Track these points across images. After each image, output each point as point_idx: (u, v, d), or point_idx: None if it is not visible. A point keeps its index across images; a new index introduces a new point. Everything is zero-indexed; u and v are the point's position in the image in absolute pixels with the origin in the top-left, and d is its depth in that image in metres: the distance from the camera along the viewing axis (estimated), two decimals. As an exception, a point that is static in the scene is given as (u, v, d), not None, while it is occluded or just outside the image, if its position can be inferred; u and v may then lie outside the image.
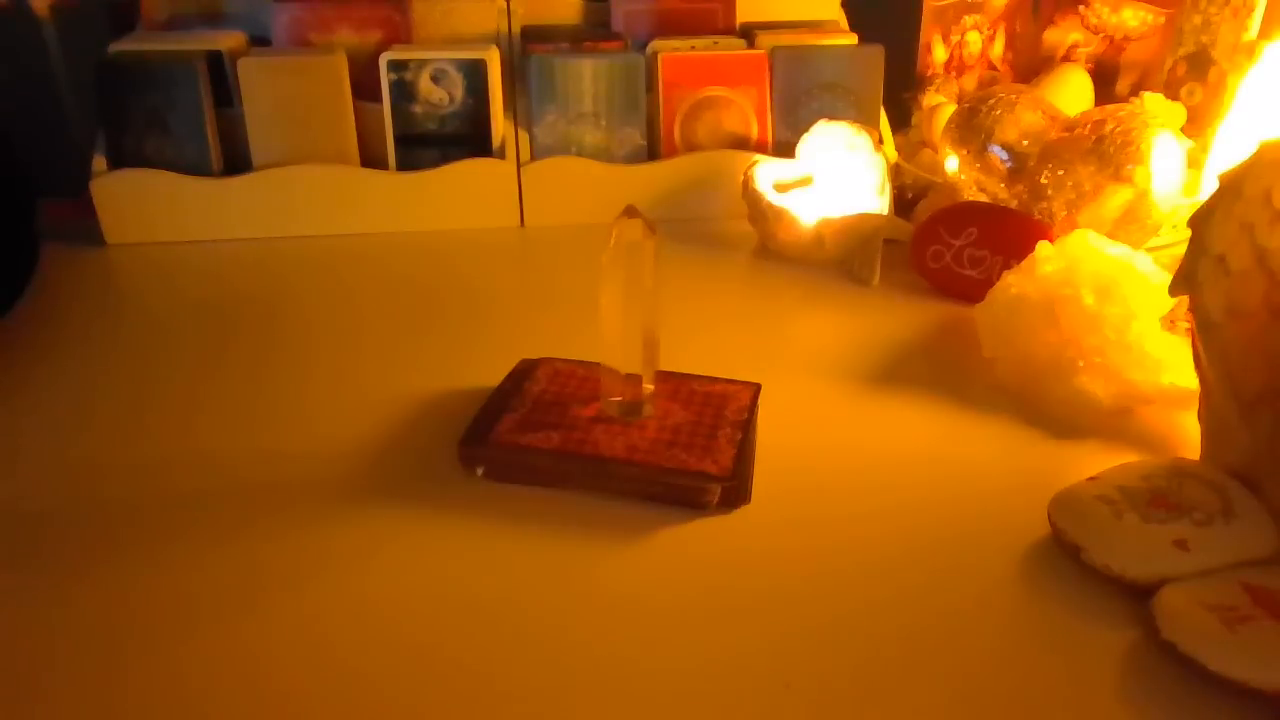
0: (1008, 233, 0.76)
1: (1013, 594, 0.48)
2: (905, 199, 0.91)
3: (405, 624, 0.46)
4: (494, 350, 0.66)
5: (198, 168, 0.87)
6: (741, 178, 0.87)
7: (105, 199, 0.86)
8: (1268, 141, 0.50)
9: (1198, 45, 0.89)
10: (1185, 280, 0.53)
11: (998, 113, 0.82)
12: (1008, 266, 0.69)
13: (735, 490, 0.53)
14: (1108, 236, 0.71)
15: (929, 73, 1.08)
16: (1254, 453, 0.50)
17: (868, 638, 0.45)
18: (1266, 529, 0.48)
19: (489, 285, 0.82)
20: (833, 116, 0.87)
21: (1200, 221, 0.52)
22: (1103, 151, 0.75)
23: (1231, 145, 0.80)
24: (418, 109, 0.89)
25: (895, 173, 0.91)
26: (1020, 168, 0.80)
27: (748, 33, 0.99)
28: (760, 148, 0.94)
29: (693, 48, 0.94)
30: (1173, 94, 0.89)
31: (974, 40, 1.06)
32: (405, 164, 0.90)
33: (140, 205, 0.87)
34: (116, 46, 0.89)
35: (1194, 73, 0.89)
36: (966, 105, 0.85)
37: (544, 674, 0.43)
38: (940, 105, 0.99)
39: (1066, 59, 1.00)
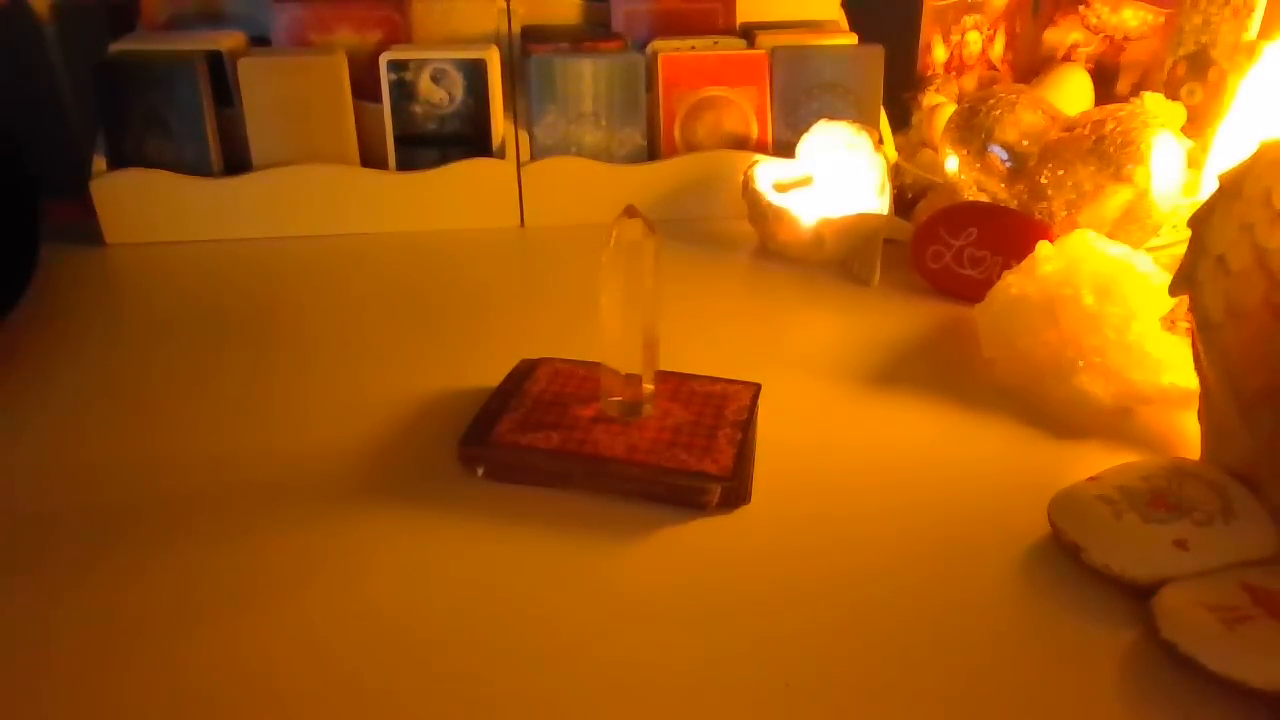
0: (1008, 233, 0.76)
1: (1013, 594, 0.48)
2: (905, 199, 0.91)
3: (405, 624, 0.46)
4: (494, 350, 0.66)
5: (198, 168, 0.87)
6: (741, 178, 0.87)
7: (105, 199, 0.86)
8: (1268, 141, 0.50)
9: (1198, 45, 0.89)
10: (1185, 280, 0.53)
11: (998, 113, 0.82)
12: (1008, 266, 0.69)
13: (735, 490, 0.53)
14: (1108, 236, 0.71)
15: (929, 73, 1.08)
16: (1254, 453, 0.50)
17: (868, 637, 0.45)
18: (1266, 529, 0.48)
19: (489, 285, 0.82)
20: (833, 116, 0.87)
21: (1200, 221, 0.52)
22: (1103, 151, 0.75)
23: (1231, 145, 0.80)
24: (418, 109, 0.89)
25: (895, 173, 0.91)
26: (1020, 168, 0.80)
27: (748, 33, 0.99)
28: (760, 148, 0.94)
29: (693, 48, 0.94)
30: (1173, 94, 0.89)
31: (974, 40, 1.06)
32: (405, 164, 0.90)
33: (140, 205, 0.87)
34: (116, 46, 0.89)
35: (1194, 73, 0.89)
36: (966, 105, 0.85)
37: (544, 674, 0.43)
38: (940, 105, 0.99)
39: (1066, 59, 1.00)
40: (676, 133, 0.94)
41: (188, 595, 0.47)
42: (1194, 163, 0.81)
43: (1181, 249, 0.54)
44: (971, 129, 0.83)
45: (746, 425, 0.57)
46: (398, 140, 0.90)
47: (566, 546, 0.51)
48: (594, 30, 0.99)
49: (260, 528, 0.52)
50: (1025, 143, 0.81)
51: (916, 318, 0.75)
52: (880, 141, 0.83)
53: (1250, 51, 0.82)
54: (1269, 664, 0.41)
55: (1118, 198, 0.75)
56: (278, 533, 0.52)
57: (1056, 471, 0.55)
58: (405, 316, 0.75)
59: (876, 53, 0.94)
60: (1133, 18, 0.95)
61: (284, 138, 0.88)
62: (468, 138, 0.90)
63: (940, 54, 1.07)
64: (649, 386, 0.57)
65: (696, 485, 0.53)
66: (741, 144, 0.94)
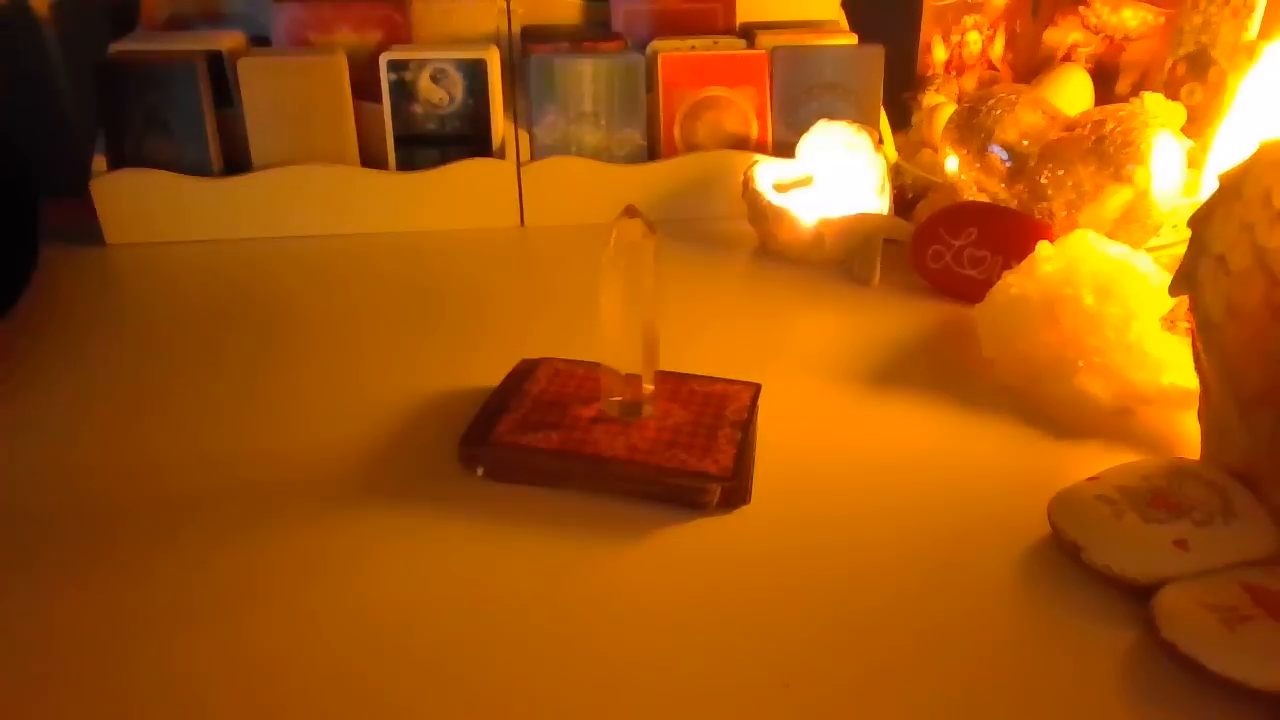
0: (1008, 233, 0.76)
1: (1013, 594, 0.48)
2: (905, 199, 0.91)
3: (405, 624, 0.46)
4: (494, 350, 0.66)
5: (198, 168, 0.87)
6: (741, 178, 0.87)
7: (105, 199, 0.86)
8: (1268, 141, 0.50)
9: (1198, 45, 0.89)
10: (1185, 280, 0.53)
11: (998, 113, 0.82)
12: (1008, 266, 0.69)
13: (735, 490, 0.53)
14: (1108, 236, 0.71)
15: (929, 73, 1.08)
16: (1254, 453, 0.50)
17: (867, 637, 0.45)
18: (1266, 529, 0.48)
19: (489, 285, 0.82)
20: (833, 116, 0.87)
21: (1200, 221, 0.52)
22: (1103, 151, 0.75)
23: (1231, 145, 0.80)
24: (418, 109, 0.89)
25: (895, 173, 0.91)
26: (1020, 168, 0.80)
27: (748, 33, 0.99)
28: (760, 148, 0.94)
29: (693, 48, 0.94)
30: (1173, 94, 0.89)
31: (974, 40, 1.06)
32: (405, 164, 0.90)
33: (140, 205, 0.87)
34: (116, 46, 0.89)
35: (1194, 73, 0.89)
36: (966, 105, 0.85)
37: (544, 674, 0.43)
38: (940, 105, 0.99)
39: (1066, 59, 1.00)
40: (676, 133, 0.94)
41: (187, 595, 0.47)
42: (1194, 163, 0.81)
43: (1181, 249, 0.54)
44: (971, 129, 0.83)
45: (746, 425, 0.57)
46: (398, 140, 0.90)
47: (566, 546, 0.51)
48: (594, 30, 0.99)
49: (260, 528, 0.52)
50: (1025, 143, 0.81)
51: (916, 318, 0.75)
52: (880, 141, 0.83)
53: (1250, 51, 0.82)
54: (1269, 664, 0.41)
55: (1118, 198, 0.75)
56: (278, 533, 0.52)
57: (1056, 471, 0.55)
58: (405, 316, 0.76)
59: (876, 53, 0.94)
60: (1133, 18, 0.95)
61: (284, 138, 0.88)
62: (468, 138, 0.90)
63: (940, 54, 1.07)
64: (649, 386, 0.57)
65: (696, 485, 0.53)
66: (741, 144, 0.94)
